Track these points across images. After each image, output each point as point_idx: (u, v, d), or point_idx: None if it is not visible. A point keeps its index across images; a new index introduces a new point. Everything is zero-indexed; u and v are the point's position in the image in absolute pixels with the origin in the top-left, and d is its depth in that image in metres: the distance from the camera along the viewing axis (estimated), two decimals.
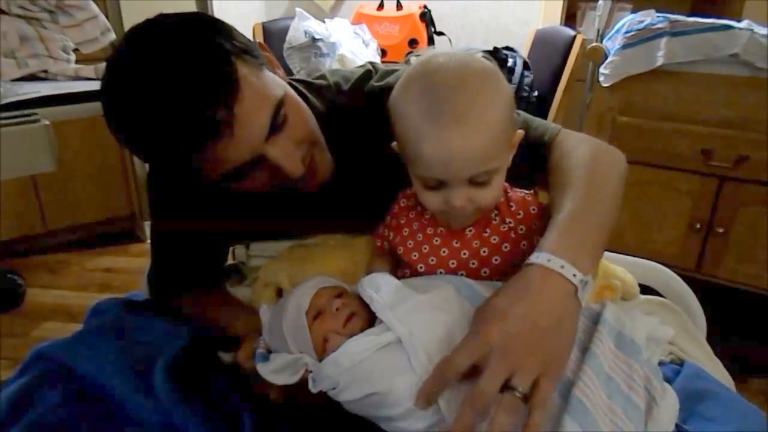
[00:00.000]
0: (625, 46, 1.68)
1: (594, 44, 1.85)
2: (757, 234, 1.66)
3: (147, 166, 0.80)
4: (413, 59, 0.64)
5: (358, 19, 2.71)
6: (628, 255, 0.93)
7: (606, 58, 1.76)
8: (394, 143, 0.66)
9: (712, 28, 1.58)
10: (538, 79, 2.19)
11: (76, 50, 2.18)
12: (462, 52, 0.62)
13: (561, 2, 2.47)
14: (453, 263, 0.69)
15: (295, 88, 0.76)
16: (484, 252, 0.68)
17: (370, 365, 0.56)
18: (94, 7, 2.07)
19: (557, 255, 0.55)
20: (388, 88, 0.66)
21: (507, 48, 2.32)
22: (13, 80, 1.99)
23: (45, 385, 0.66)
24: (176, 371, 0.67)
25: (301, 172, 0.69)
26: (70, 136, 2.09)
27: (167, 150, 0.63)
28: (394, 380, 0.54)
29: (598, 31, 2.01)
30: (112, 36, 2.11)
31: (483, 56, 0.62)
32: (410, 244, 0.72)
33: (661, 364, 0.67)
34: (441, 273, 0.69)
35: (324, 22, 2.52)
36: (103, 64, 0.66)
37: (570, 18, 2.50)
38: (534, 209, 0.70)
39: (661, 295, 0.89)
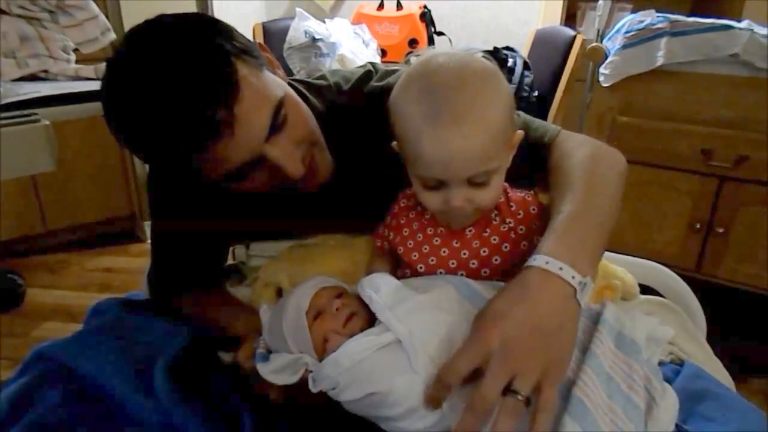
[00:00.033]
0: (625, 46, 1.69)
1: (594, 44, 1.85)
2: (757, 234, 1.66)
3: (147, 166, 0.80)
4: (413, 59, 0.64)
5: (358, 19, 2.71)
6: (628, 255, 0.93)
7: (606, 58, 1.76)
8: (394, 143, 0.66)
9: (712, 28, 1.58)
10: (538, 79, 2.19)
11: (76, 50, 2.18)
12: (462, 52, 0.62)
13: (561, 2, 2.47)
14: (453, 263, 0.69)
15: (295, 89, 0.76)
16: (484, 252, 0.68)
17: (370, 365, 0.56)
18: (94, 7, 2.07)
19: (556, 257, 0.55)
20: (389, 89, 0.65)
21: (507, 48, 2.32)
22: (14, 80, 1.99)
23: (45, 385, 0.66)
24: (176, 371, 0.67)
25: (301, 173, 0.69)
26: (70, 136, 2.09)
27: (167, 150, 0.63)
28: (394, 380, 0.54)
29: (598, 31, 2.01)
30: (112, 36, 2.11)
31: (483, 56, 0.62)
32: (410, 244, 0.72)
33: (661, 364, 0.67)
34: (441, 273, 0.69)
35: (324, 22, 2.52)
36: (103, 64, 0.66)
37: (570, 18, 2.50)
38: (534, 209, 0.70)
39: (661, 295, 0.89)
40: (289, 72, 2.38)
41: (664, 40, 1.63)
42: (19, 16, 2.03)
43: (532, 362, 0.50)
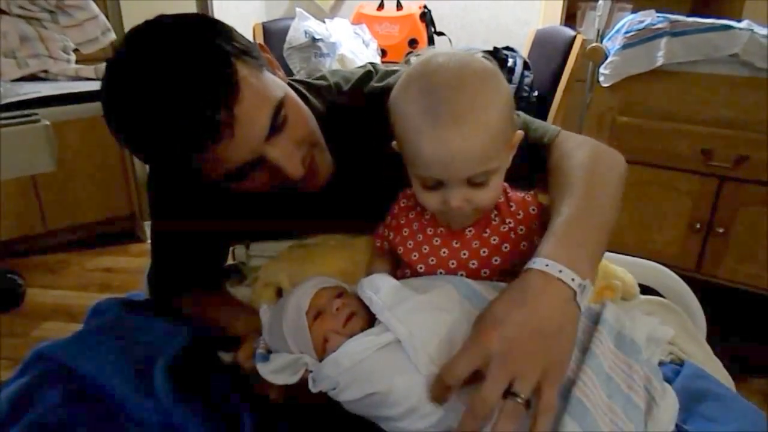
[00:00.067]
0: (625, 46, 1.69)
1: (594, 44, 1.85)
2: (757, 234, 1.66)
3: (147, 166, 0.80)
4: (413, 59, 0.64)
5: (358, 19, 2.71)
6: (628, 255, 0.93)
7: (606, 58, 1.76)
8: (394, 143, 0.66)
9: (712, 28, 1.58)
10: (538, 79, 2.19)
11: (76, 50, 2.18)
12: (462, 52, 0.62)
13: (561, 2, 2.47)
14: (453, 263, 0.69)
15: (295, 89, 0.76)
16: (484, 252, 0.68)
17: (370, 365, 0.56)
18: (94, 7, 2.07)
19: (556, 260, 0.55)
20: (389, 89, 0.65)
21: (507, 48, 2.32)
22: (14, 80, 1.99)
23: (45, 385, 0.66)
24: (176, 371, 0.67)
25: (301, 173, 0.69)
26: (70, 136, 2.09)
27: (167, 150, 0.63)
28: (394, 380, 0.54)
29: (598, 31, 2.01)
30: (112, 36, 2.11)
31: (483, 56, 0.62)
32: (410, 244, 0.72)
33: (661, 364, 0.67)
34: (441, 273, 0.69)
35: (324, 22, 2.52)
36: (103, 65, 0.66)
37: (570, 18, 2.50)
38: (534, 210, 0.70)
39: (661, 295, 0.89)
40: (289, 72, 2.38)
41: (664, 40, 1.63)
42: (19, 16, 2.03)
43: (531, 365, 0.51)
